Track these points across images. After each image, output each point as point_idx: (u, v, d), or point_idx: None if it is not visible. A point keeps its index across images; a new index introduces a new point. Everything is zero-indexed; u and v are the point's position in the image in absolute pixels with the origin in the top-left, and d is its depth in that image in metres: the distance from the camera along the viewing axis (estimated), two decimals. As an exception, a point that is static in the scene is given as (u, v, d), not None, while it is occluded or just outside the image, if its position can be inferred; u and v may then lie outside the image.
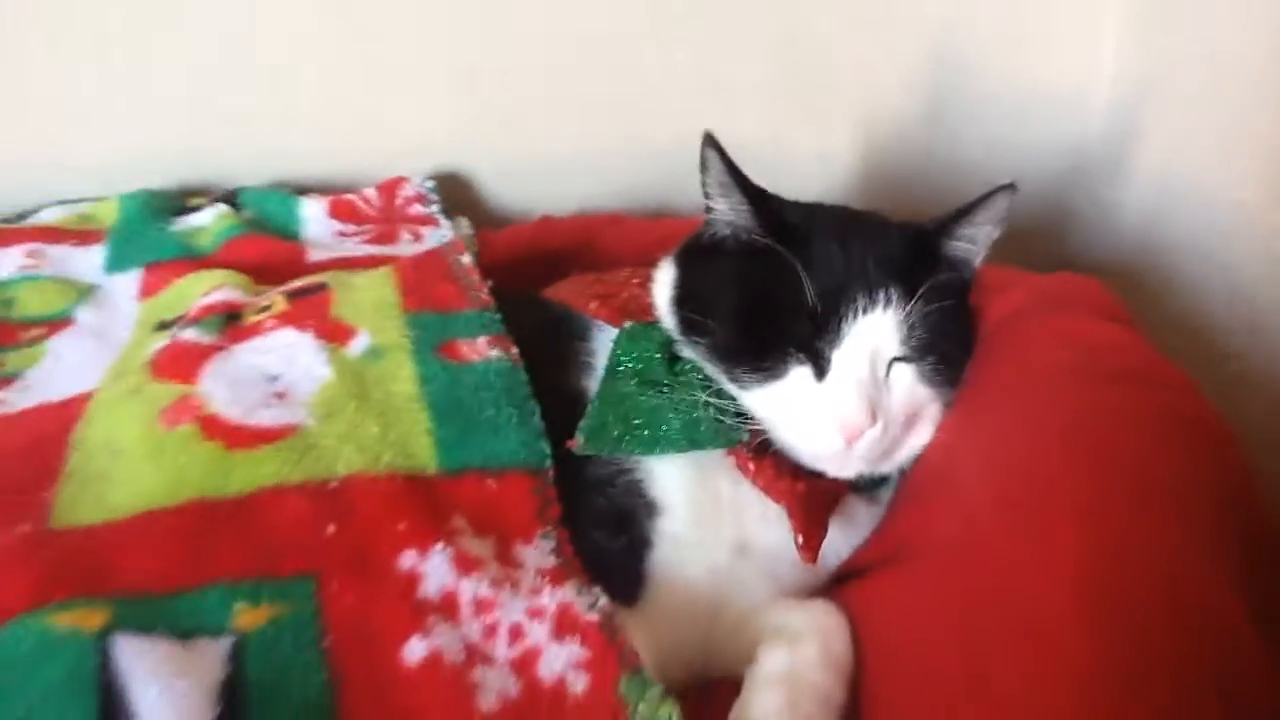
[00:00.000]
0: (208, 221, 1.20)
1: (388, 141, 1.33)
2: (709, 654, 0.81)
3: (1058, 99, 1.35)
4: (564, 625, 0.72)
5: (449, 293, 0.94)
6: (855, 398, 0.79)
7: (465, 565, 0.73)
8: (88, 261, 1.14)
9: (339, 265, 1.10)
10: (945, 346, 0.84)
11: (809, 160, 1.33)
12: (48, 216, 1.22)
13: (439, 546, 0.74)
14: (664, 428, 0.83)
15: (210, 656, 0.66)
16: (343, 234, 1.23)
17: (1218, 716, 0.62)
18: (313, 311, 0.92)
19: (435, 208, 1.27)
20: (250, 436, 0.79)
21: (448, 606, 0.72)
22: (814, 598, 0.83)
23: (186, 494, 0.75)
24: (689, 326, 0.86)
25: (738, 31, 1.31)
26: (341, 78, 1.30)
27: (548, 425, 0.83)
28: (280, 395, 0.83)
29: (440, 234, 1.22)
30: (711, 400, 0.83)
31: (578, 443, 0.82)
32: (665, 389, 0.84)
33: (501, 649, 0.71)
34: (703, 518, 0.83)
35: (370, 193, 1.29)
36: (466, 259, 0.99)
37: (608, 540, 0.81)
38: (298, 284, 0.99)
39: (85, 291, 1.09)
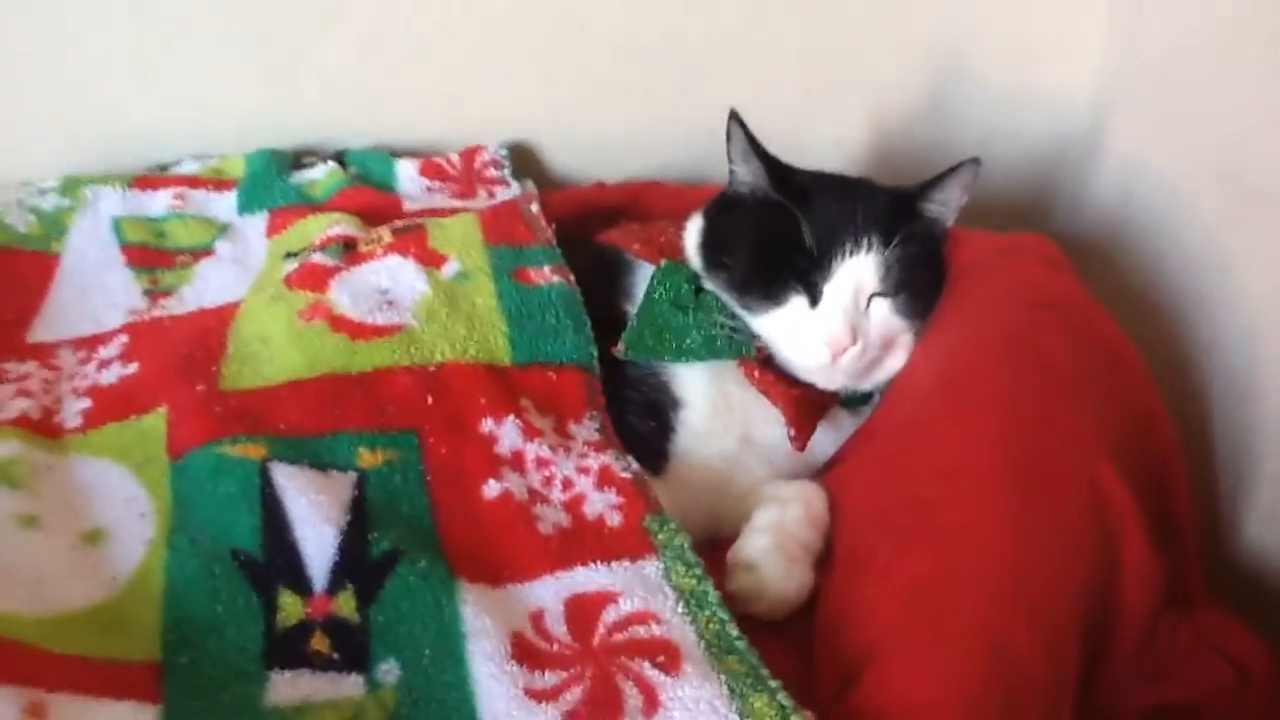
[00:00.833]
0: (320, 176, 1.31)
1: (468, 114, 1.42)
2: (717, 519, 0.96)
3: (1046, 95, 1.43)
4: (604, 479, 0.89)
5: (521, 232, 1.10)
6: (840, 321, 0.95)
7: (530, 433, 0.90)
8: (223, 204, 1.27)
9: (430, 214, 1.21)
10: (916, 285, 0.99)
11: (826, 143, 1.42)
12: (186, 168, 1.34)
13: (510, 417, 0.91)
14: (688, 341, 0.99)
15: (341, 483, 0.83)
16: (431, 189, 1.34)
17: (1093, 551, 0.80)
18: (413, 243, 1.06)
19: (507, 171, 1.37)
20: (368, 331, 0.95)
21: (516, 461, 0.89)
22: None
23: (321, 370, 0.92)
24: (712, 264, 1.03)
25: (768, 31, 1.40)
26: (431, 61, 1.39)
27: (596, 336, 0.99)
28: (390, 303, 0.98)
29: (511, 193, 1.32)
30: (726, 321, 1.00)
31: (620, 349, 0.99)
32: (691, 312, 1.00)
33: (556, 493, 0.87)
34: (715, 413, 1.00)
35: (454, 157, 1.39)
36: (535, 207, 1.15)
37: (640, 424, 0.98)
38: (399, 223, 1.14)
39: (223, 228, 1.23)
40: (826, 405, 1.02)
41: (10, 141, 1.37)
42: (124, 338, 1.05)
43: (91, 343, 1.06)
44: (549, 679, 0.73)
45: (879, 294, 0.98)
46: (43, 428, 0.93)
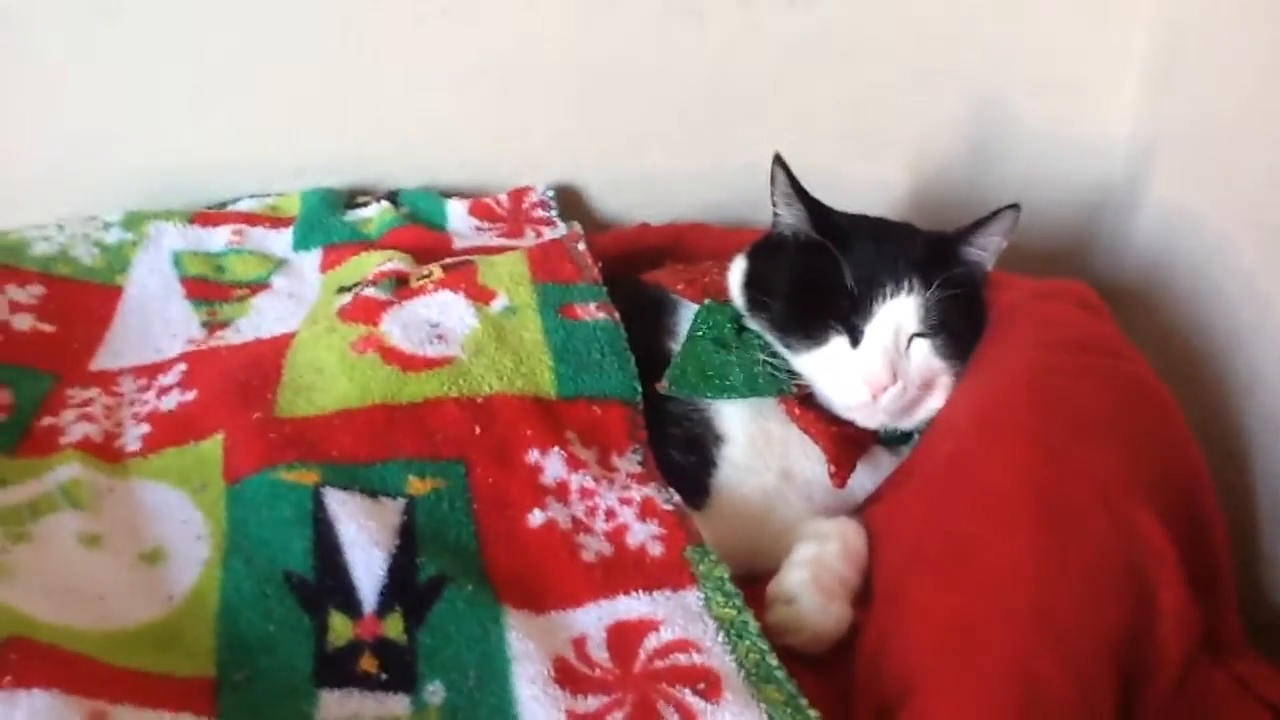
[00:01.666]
0: (372, 214, 1.36)
1: (517, 156, 1.46)
2: (756, 553, 0.96)
3: (1083, 143, 1.46)
4: (646, 510, 0.90)
5: (568, 270, 1.12)
6: (881, 361, 0.96)
7: (574, 464, 0.92)
8: (279, 241, 1.31)
9: (479, 252, 1.23)
10: (956, 327, 1.00)
11: (866, 188, 1.41)
12: (243, 206, 1.38)
13: (555, 449, 0.92)
14: (730, 378, 1.01)
15: (390, 509, 0.86)
16: (480, 229, 1.37)
17: (1128, 592, 0.80)
18: (463, 279, 1.08)
19: (554, 212, 1.40)
20: (419, 363, 0.97)
21: (560, 491, 0.90)
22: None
23: (372, 399, 0.94)
24: (755, 304, 1.04)
25: (810, 77, 1.44)
26: (481, 104, 1.43)
27: (640, 372, 1.00)
28: (440, 337, 1.00)
29: (557, 233, 1.33)
30: (768, 359, 1.01)
31: (664, 385, 1.01)
32: (733, 350, 1.02)
33: (599, 523, 0.89)
34: (756, 449, 1.01)
35: (502, 197, 1.43)
36: (581, 246, 1.17)
37: (682, 458, 0.99)
38: (450, 260, 1.16)
39: (279, 264, 1.27)
40: (866, 443, 1.03)
41: (77, 178, 1.42)
42: (183, 366, 1.08)
43: (152, 370, 1.10)
44: (591, 703, 0.74)
45: (919, 335, 0.99)
46: (104, 451, 0.97)
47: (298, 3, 1.38)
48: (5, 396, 1.02)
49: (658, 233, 1.40)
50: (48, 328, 1.14)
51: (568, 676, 0.76)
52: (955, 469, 0.91)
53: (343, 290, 1.15)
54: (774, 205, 1.06)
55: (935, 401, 1.02)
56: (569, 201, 1.48)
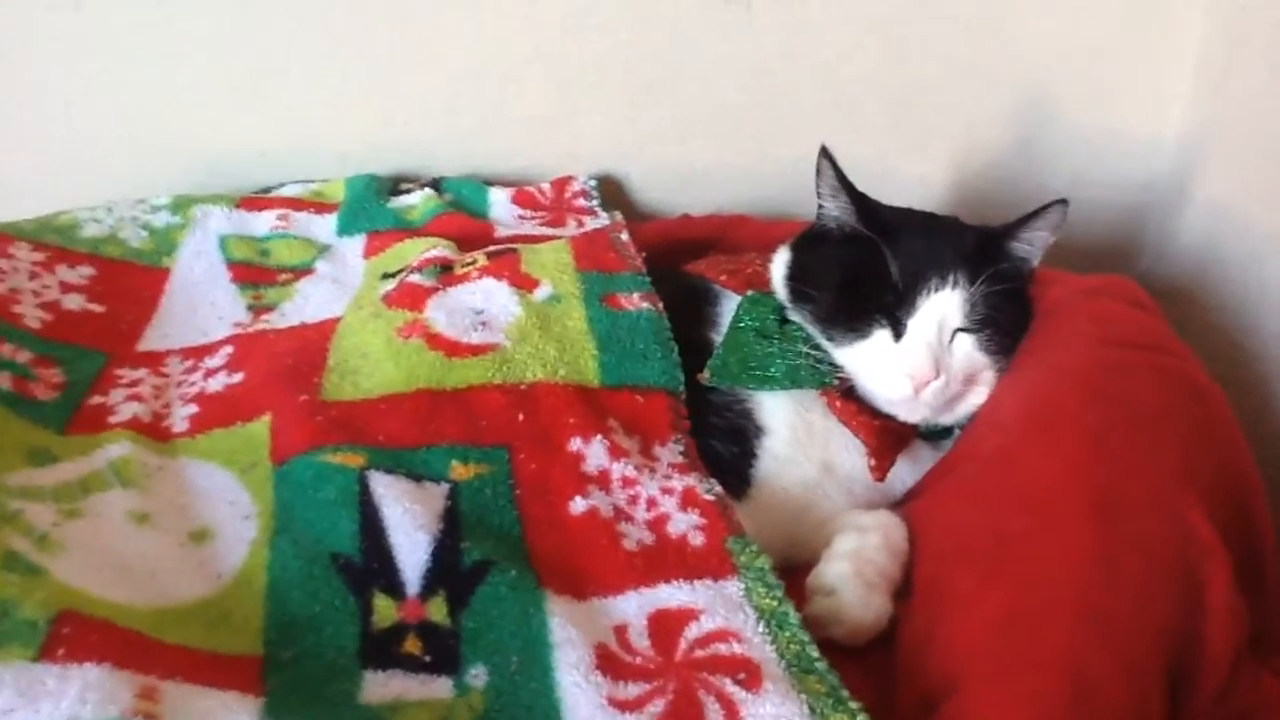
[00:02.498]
0: (417, 202, 1.36)
1: (560, 146, 1.48)
2: (796, 545, 0.96)
3: (1132, 139, 1.46)
4: (688, 500, 0.90)
5: (612, 259, 1.12)
6: (924, 354, 0.96)
7: (616, 453, 0.92)
8: (324, 226, 1.32)
9: (522, 240, 1.24)
10: (1000, 322, 0.99)
11: (911, 181, 1.44)
12: (288, 191, 1.39)
13: (598, 437, 0.92)
14: (772, 370, 1.01)
15: (435, 494, 0.86)
16: (522, 217, 1.38)
17: (1177, 588, 0.80)
18: (507, 267, 1.09)
19: (596, 202, 1.40)
20: (463, 349, 0.98)
21: (603, 479, 0.91)
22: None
23: (417, 385, 0.95)
24: (798, 296, 1.04)
25: (857, 70, 1.44)
26: (525, 93, 1.45)
27: (682, 363, 1.01)
28: (484, 324, 1.01)
29: (599, 223, 1.33)
30: (810, 352, 1.01)
31: (706, 376, 1.01)
32: (775, 341, 1.02)
33: (641, 512, 0.89)
34: (797, 441, 1.01)
35: (545, 186, 1.44)
36: (625, 236, 1.18)
37: (723, 449, 0.99)
38: (494, 248, 1.17)
39: (323, 249, 1.28)
40: (907, 437, 1.03)
41: (127, 162, 1.45)
42: (229, 349, 1.09)
43: (199, 353, 1.11)
44: (632, 690, 0.75)
45: (963, 329, 0.99)
46: (153, 431, 0.98)
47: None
48: (57, 375, 1.03)
49: (700, 224, 1.40)
50: (97, 308, 1.15)
51: (609, 663, 0.76)
52: (1002, 464, 0.90)
53: (387, 276, 1.17)
54: (819, 197, 1.06)
55: (978, 397, 1.02)
56: (611, 192, 1.49)
